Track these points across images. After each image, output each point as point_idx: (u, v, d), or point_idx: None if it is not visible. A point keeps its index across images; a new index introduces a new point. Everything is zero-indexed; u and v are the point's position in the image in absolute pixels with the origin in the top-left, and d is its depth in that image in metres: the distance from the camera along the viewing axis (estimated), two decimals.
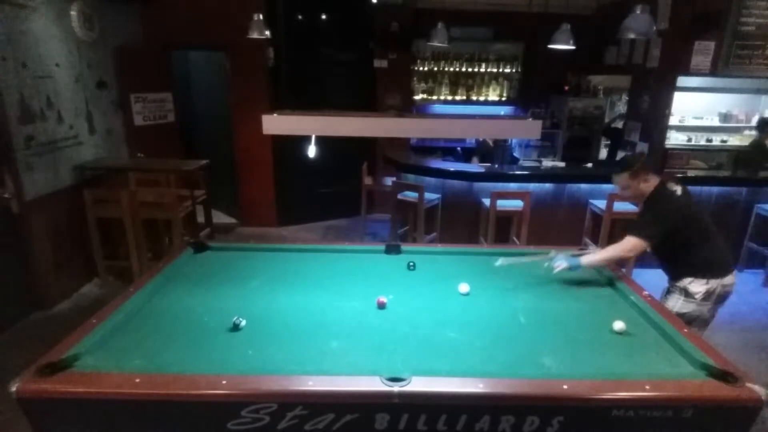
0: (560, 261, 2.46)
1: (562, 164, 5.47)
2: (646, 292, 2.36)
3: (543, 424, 1.62)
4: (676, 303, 2.51)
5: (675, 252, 2.56)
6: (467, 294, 2.35)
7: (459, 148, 6.90)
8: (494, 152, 5.49)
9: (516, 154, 6.88)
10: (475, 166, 5.36)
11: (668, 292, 2.61)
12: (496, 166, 5.39)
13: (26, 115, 3.69)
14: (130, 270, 4.35)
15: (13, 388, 1.55)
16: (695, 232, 2.50)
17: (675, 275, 2.60)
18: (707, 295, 2.47)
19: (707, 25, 4.77)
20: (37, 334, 3.64)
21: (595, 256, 2.50)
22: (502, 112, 6.82)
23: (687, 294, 2.50)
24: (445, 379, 1.65)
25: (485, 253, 3.00)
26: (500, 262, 2.53)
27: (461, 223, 4.98)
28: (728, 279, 2.49)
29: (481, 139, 6.00)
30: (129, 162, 5.00)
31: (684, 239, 2.49)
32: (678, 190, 2.52)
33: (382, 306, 2.20)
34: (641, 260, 3.76)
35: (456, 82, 6.89)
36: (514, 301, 2.32)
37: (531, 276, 2.55)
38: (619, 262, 2.81)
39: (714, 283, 2.46)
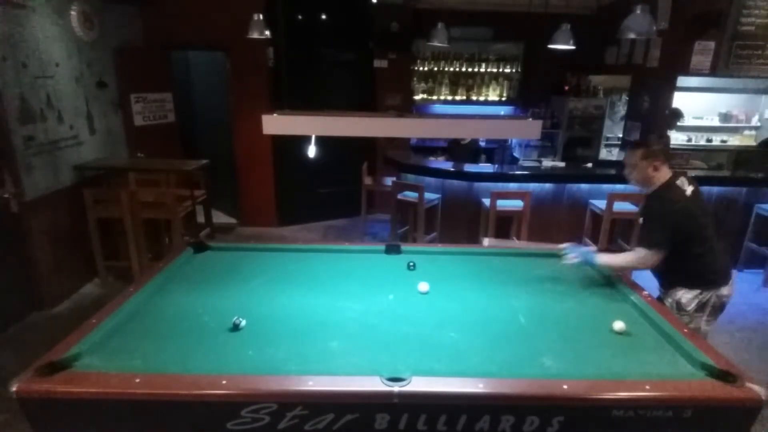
0: (575, 253, 2.35)
1: (562, 164, 5.47)
2: (646, 292, 2.35)
3: (543, 424, 1.62)
4: None
5: (670, 256, 2.37)
6: (427, 293, 2.32)
7: None
8: (463, 154, 5.42)
9: (516, 154, 6.88)
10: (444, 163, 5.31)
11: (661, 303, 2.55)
12: (495, 166, 5.38)
13: (26, 115, 3.69)
14: (130, 270, 4.35)
15: (13, 388, 1.55)
16: (694, 237, 2.34)
17: (666, 283, 2.52)
18: (700, 306, 2.39)
19: (707, 25, 4.77)
20: (37, 334, 3.64)
21: (613, 257, 2.37)
22: (502, 112, 6.81)
23: (679, 307, 2.42)
24: (445, 379, 1.65)
25: (485, 253, 3.00)
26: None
27: (461, 223, 4.98)
28: (725, 289, 2.41)
29: (464, 141, 5.93)
30: (129, 162, 5.00)
31: (681, 243, 2.34)
32: (688, 189, 2.36)
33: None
34: None
35: (456, 82, 6.89)
36: (514, 301, 2.32)
37: (531, 276, 2.56)
38: None
39: (708, 294, 2.39)
